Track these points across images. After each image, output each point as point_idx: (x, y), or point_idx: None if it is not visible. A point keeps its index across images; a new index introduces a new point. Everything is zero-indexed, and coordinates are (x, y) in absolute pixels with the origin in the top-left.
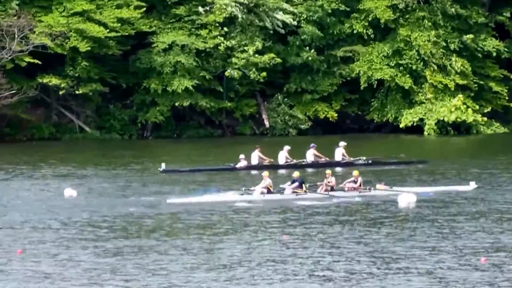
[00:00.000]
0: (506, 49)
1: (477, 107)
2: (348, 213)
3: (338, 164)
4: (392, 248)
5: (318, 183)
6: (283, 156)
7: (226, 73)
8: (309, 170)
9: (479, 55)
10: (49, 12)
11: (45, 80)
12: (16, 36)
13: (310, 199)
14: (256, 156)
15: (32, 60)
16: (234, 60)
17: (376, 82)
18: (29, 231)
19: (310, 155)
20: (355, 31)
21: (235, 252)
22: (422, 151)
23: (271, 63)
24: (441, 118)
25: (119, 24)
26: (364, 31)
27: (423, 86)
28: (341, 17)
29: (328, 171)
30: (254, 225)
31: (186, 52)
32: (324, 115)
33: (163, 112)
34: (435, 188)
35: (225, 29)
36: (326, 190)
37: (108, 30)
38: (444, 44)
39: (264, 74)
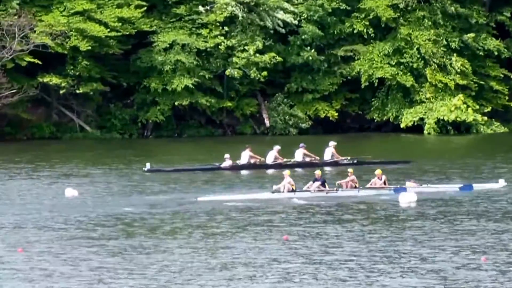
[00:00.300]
0: (506, 49)
1: (477, 106)
2: (349, 213)
3: (326, 163)
4: (394, 248)
5: (341, 182)
6: (272, 156)
7: (227, 73)
8: (298, 169)
9: (480, 53)
10: (50, 11)
11: (45, 80)
12: (16, 35)
13: (337, 197)
14: (247, 156)
15: (32, 60)
16: (234, 59)
17: (377, 81)
18: (30, 230)
19: (299, 154)
20: (355, 31)
21: (241, 251)
22: (422, 150)
23: (271, 63)
24: (441, 118)
25: (120, 24)
26: (365, 30)
27: (423, 85)
28: (341, 16)
29: (350, 170)
30: (281, 223)
31: (187, 51)
32: (324, 115)
33: (164, 112)
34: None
35: (226, 28)
36: (350, 188)
37: (108, 30)
38: (445, 42)
39: (264, 73)
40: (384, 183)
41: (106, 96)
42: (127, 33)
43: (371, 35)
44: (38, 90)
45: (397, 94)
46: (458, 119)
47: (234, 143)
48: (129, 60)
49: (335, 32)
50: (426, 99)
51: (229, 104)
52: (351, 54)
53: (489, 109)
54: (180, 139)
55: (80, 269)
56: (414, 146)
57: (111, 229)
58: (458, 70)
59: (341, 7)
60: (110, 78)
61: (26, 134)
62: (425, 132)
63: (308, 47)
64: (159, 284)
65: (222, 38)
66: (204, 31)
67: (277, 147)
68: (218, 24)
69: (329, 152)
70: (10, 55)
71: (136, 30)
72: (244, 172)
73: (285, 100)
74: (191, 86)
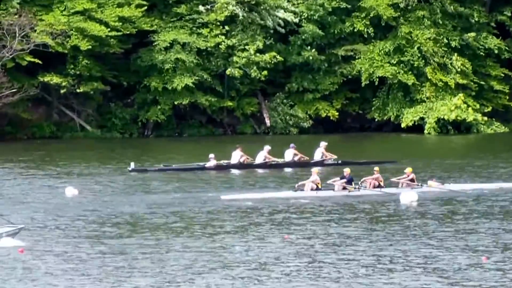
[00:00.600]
0: (507, 48)
1: (478, 106)
2: (350, 212)
3: (314, 163)
4: (395, 247)
5: (366, 179)
6: (262, 156)
7: (227, 72)
8: (287, 169)
9: (481, 53)
10: (50, 11)
11: (46, 79)
12: (17, 35)
13: (360, 196)
14: (238, 155)
15: (33, 59)
16: (235, 58)
17: (377, 80)
18: (30, 230)
19: (289, 154)
20: (356, 30)
21: (245, 251)
22: (422, 150)
23: (272, 62)
24: (442, 117)
25: (120, 23)
26: (365, 29)
27: (423, 84)
28: (342, 15)
29: (376, 168)
30: (300, 223)
31: (187, 50)
32: (325, 114)
33: (164, 111)
34: (491, 185)
35: (226, 27)
36: (374, 187)
37: (109, 29)
38: (445, 41)
39: (265, 73)
40: (413, 181)
41: (106, 96)
42: (128, 32)
43: (372, 34)
44: (39, 90)
45: (398, 93)
46: (458, 118)
47: (234, 143)
48: (130, 60)
49: (336, 32)
50: (427, 98)
51: (230, 103)
52: (352, 53)
53: (490, 108)
54: (181, 138)
55: (80, 269)
56: (414, 146)
57: (111, 228)
58: (459, 70)
59: (342, 6)
60: (111, 78)
61: (26, 133)
62: (426, 131)
63: (309, 47)
64: (162, 283)
65: (223, 37)
66: (204, 31)
67: (267, 147)
68: (218, 23)
69: (319, 153)
70: (10, 55)
71: (136, 30)
72: (234, 171)
73: (286, 99)
74: (191, 85)
